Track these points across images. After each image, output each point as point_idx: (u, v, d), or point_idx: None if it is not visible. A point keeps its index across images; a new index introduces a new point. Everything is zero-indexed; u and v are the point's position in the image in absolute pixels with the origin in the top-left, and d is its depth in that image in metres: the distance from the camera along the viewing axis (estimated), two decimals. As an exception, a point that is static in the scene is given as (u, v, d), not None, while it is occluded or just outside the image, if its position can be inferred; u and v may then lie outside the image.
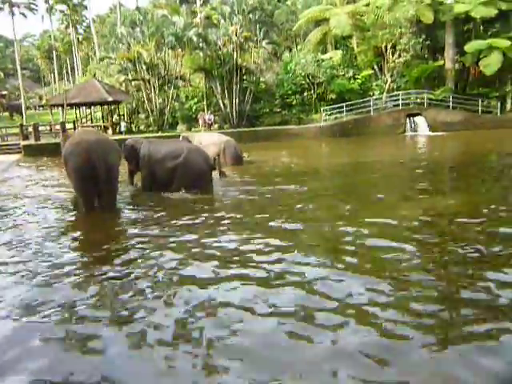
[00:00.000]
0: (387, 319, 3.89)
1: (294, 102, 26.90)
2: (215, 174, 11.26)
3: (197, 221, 7.56)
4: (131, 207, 9.13)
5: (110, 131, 26.48)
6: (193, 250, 5.94)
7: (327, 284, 4.69)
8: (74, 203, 9.32)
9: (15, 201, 10.20)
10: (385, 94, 26.37)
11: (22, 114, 42.10)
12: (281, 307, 4.19)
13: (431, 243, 5.93)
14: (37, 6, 46.34)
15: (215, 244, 6.17)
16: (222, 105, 27.36)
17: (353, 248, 5.78)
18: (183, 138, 15.13)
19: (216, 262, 5.43)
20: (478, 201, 8.39)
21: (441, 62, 27.15)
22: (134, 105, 29.47)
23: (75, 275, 5.26)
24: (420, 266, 5.16)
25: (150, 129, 27.53)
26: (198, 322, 4.01)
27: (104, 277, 5.16)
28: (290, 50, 31.77)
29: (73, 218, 8.51)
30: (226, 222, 7.47)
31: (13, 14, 42.10)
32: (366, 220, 6.98)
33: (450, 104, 25.25)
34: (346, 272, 5.01)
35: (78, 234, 7.48)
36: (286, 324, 3.91)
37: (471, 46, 24.77)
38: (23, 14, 45.33)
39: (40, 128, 25.00)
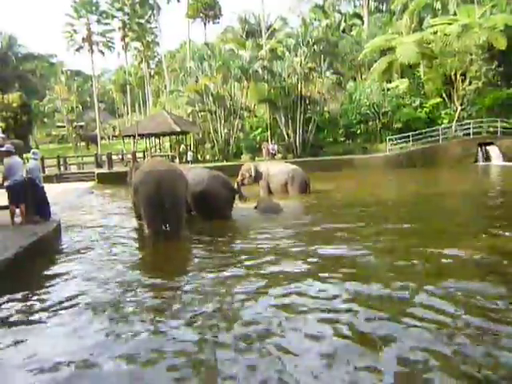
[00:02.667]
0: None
1: (359, 132, 26.61)
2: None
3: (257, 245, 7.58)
4: (195, 234, 9.28)
5: (176, 160, 27.40)
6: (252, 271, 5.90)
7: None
8: (140, 230, 9.65)
9: (86, 226, 10.64)
10: (454, 122, 25.45)
11: (97, 144, 44.74)
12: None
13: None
14: (114, 43, 49.52)
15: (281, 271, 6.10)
16: (285, 135, 27.60)
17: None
18: (252, 166, 15.44)
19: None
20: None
21: (516, 89, 25.97)
22: (200, 135, 30.46)
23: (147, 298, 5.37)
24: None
25: (216, 158, 28.19)
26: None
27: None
28: (355, 80, 31.70)
29: (141, 246, 8.75)
30: (294, 250, 7.39)
31: (92, 52, 45.33)
32: (432, 250, 6.77)
33: (527, 133, 23.91)
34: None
35: (147, 262, 7.73)
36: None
37: (550, 72, 23.53)
38: (101, 52, 48.54)
39: (112, 157, 26.41)
